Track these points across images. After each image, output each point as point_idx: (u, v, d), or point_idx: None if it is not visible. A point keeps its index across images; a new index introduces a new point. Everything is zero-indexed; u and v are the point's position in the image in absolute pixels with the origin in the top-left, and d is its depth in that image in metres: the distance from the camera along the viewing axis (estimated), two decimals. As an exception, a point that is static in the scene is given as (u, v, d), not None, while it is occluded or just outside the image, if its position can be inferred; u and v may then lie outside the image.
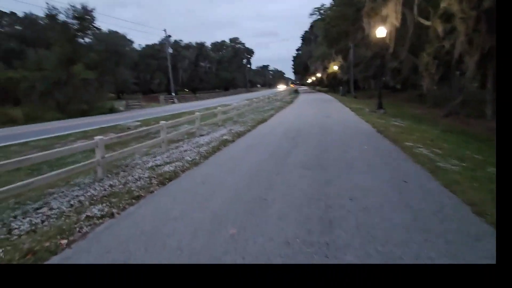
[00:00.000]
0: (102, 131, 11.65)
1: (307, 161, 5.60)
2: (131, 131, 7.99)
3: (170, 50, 51.48)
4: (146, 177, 5.20)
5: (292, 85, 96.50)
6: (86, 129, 12.34)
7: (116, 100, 39.14)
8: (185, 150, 7.35)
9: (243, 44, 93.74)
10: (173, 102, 40.89)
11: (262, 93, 43.22)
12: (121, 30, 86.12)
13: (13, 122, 19.16)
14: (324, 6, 42.53)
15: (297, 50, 69.52)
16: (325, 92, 48.95)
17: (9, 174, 6.02)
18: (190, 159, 6.27)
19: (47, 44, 23.07)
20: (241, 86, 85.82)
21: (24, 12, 31.48)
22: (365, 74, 30.72)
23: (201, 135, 10.02)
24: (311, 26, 53.13)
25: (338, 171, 4.94)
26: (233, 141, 8.25)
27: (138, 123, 13.90)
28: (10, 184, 4.11)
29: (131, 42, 62.05)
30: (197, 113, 10.40)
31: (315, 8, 43.79)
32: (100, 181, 5.27)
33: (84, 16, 21.44)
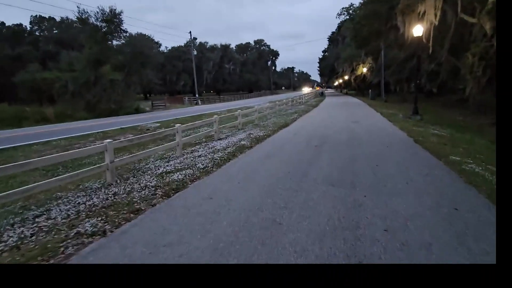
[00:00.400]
0: (122, 131, 11.64)
1: (332, 175, 4.85)
2: (145, 134, 7.70)
3: (195, 52, 52.38)
4: (152, 186, 4.77)
5: (317, 88, 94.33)
6: (108, 129, 12.40)
7: (143, 100, 40.43)
8: (199, 156, 6.89)
9: (268, 45, 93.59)
10: (197, 104, 41.41)
11: (286, 96, 42.35)
12: (149, 33, 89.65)
13: (46, 120, 20.11)
14: (353, 5, 40.92)
15: (323, 51, 67.71)
16: (353, 95, 46.99)
17: (25, 174, 5.94)
18: (202, 166, 5.78)
19: (80, 46, 24.17)
20: (265, 88, 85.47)
21: (61, 17, 33.38)
22: (398, 76, 28.85)
23: (219, 139, 9.57)
24: (339, 27, 51.46)
25: (370, 190, 4.15)
26: (250, 147, 7.66)
27: (158, 124, 13.80)
28: (26, 184, 3.85)
29: (158, 44, 64.48)
30: (215, 116, 9.95)
31: (343, 8, 42.26)
32: (108, 187, 4.95)
33: (112, 19, 22.08)
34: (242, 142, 8.29)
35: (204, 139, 9.69)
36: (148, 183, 4.94)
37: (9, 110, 20.73)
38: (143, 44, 26.54)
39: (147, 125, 13.33)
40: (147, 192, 4.52)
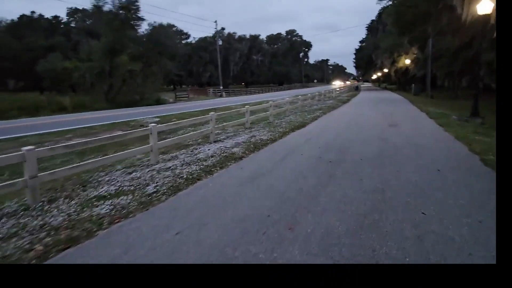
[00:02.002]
0: (112, 127, 10.28)
1: (337, 239, 2.68)
2: (110, 134, 6.04)
3: (220, 42, 50.86)
4: (55, 227, 3.04)
5: (352, 81, 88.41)
6: (98, 124, 11.11)
7: (169, 91, 39.97)
8: (168, 168, 5.07)
9: (300, 36, 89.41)
10: (221, 96, 40.04)
11: (317, 89, 39.27)
12: (180, 25, 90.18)
13: (62, 110, 19.90)
14: (398, -12, 36.14)
15: (361, 42, 62.30)
16: (393, 90, 42.30)
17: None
18: (152, 190, 3.92)
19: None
20: (296, 81, 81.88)
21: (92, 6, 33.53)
22: (448, 69, 24.61)
23: (215, 141, 7.74)
24: (379, 14, 46.39)
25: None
26: (240, 158, 5.66)
27: (157, 119, 12.30)
28: None
29: (187, 35, 64.09)
30: (212, 113, 8.07)
31: (387, -9, 37.47)
32: (24, 211, 3.41)
33: (129, 6, 21.02)
34: (234, 150, 6.32)
35: (200, 140, 7.96)
36: (70, 212, 3.28)
37: (30, 99, 20.88)
38: (162, 34, 25.36)
39: (143, 121, 11.88)
40: (50, 237, 2.82)
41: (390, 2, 36.64)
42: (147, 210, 3.35)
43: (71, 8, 48.55)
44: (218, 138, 8.23)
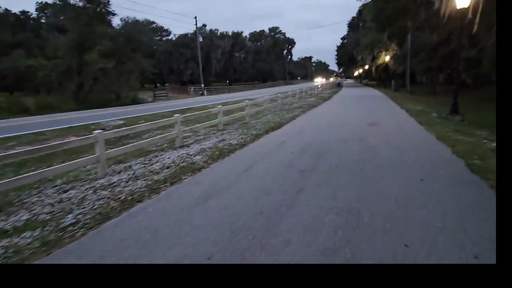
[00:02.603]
0: (68, 132, 9.21)
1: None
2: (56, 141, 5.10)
3: (201, 39, 49.54)
4: None
5: (335, 78, 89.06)
6: (51, 128, 9.97)
7: (149, 90, 38.22)
8: (112, 184, 4.26)
9: (283, 33, 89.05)
10: (202, 94, 38.85)
11: (300, 86, 38.91)
12: (160, 21, 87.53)
13: (24, 112, 18.31)
14: (377, -15, 36.21)
15: (342, 39, 62.52)
16: (373, 86, 42.65)
17: None
18: (75, 217, 3.10)
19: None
20: (280, 78, 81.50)
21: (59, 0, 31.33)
22: (427, 65, 24.77)
23: (181, 147, 6.96)
24: (360, 11, 46.59)
25: None
26: (201, 169, 4.90)
27: (122, 122, 11.29)
28: None
29: (168, 32, 62.10)
30: (176, 115, 7.26)
31: (366, -12, 37.48)
32: None
33: (98, 0, 19.59)
34: (196, 158, 5.56)
35: (166, 145, 7.20)
36: None
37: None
38: (136, 30, 23.96)
39: (108, 123, 10.84)
40: None
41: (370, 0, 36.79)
42: (48, 254, 2.51)
43: (40, 2, 45.63)
44: (186, 143, 7.45)
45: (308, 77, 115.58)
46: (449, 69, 28.73)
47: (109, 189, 3.97)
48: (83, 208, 3.34)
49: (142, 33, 25.04)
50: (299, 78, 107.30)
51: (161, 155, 6.21)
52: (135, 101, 25.09)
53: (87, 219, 3.04)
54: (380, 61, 35.01)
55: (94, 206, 3.38)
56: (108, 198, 3.61)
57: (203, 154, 5.86)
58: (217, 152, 5.92)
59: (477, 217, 2.83)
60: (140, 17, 62.31)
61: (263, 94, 27.19)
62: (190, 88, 42.04)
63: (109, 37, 22.78)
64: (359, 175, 4.20)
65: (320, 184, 3.91)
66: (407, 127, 8.27)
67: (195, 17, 37.08)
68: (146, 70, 27.71)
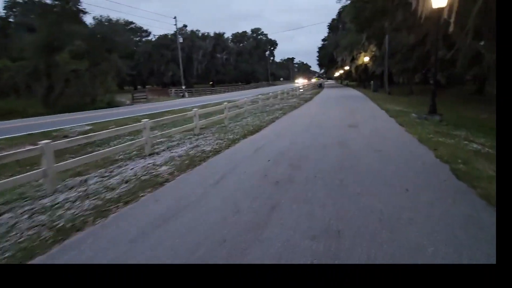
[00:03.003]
0: (23, 140, 8.31)
1: None
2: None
3: (181, 40, 48.45)
4: None
5: (317, 79, 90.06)
6: (22, 134, 9.03)
7: (130, 92, 36.57)
8: (55, 205, 3.64)
9: (265, 35, 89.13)
10: (183, 96, 37.82)
11: (282, 88, 38.71)
12: (141, 22, 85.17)
13: (-16, 118, 16.84)
14: (356, -13, 36.75)
15: (323, 40, 63.24)
16: (354, 87, 43.26)
17: None
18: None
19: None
20: (263, 79, 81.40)
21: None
22: (403, 66, 25.24)
23: (150, 155, 6.38)
24: (339, 13, 47.25)
25: None
26: (164, 182, 4.34)
27: (90, 127, 10.44)
28: None
29: (147, 33, 60.32)
30: (144, 120, 6.65)
31: (345, -10, 37.92)
32: None
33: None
34: (162, 169, 5.00)
35: (135, 152, 6.58)
36: None
37: None
38: (111, 29, 22.80)
39: (73, 129, 9.95)
40: None
41: (349, 1, 37.32)
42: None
43: (8, 0, 42.81)
44: (157, 150, 6.86)
45: (291, 78, 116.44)
46: (424, 70, 29.58)
47: (48, 213, 3.34)
48: (6, 241, 2.71)
49: (117, 32, 23.83)
50: (281, 79, 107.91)
51: (125, 165, 5.59)
52: (112, 104, 23.95)
53: (4, 258, 2.43)
54: (359, 62, 35.51)
55: (21, 237, 2.76)
56: (43, 225, 2.99)
57: (171, 163, 5.30)
58: (187, 161, 5.37)
59: (471, 238, 2.49)
60: (119, 17, 59.98)
61: (245, 95, 26.71)
62: (171, 90, 40.85)
63: (82, 37, 21.49)
64: (339, 187, 3.80)
65: (296, 198, 3.47)
66: (388, 129, 8.06)
67: (175, 17, 36.10)
68: (122, 71, 26.46)
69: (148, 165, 5.39)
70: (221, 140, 7.34)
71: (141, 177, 4.55)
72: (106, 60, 23.15)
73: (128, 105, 26.75)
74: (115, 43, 22.82)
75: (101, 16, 23.32)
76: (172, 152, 6.40)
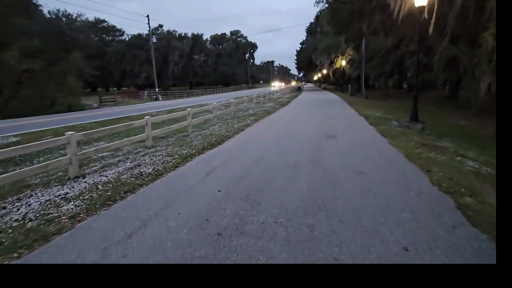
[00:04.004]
0: None
1: None
2: None
3: (154, 39, 46.25)
4: None
5: (296, 82, 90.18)
6: None
7: (101, 95, 33.67)
8: None
9: (245, 37, 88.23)
10: (156, 99, 35.70)
11: (261, 90, 37.62)
12: (115, 21, 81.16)
13: None
14: (333, -10, 36.61)
15: (301, 43, 63.19)
16: (332, 90, 43.13)
17: None
18: None
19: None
20: (243, 82, 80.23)
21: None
22: (380, 69, 25.03)
23: (75, 178, 4.91)
24: (317, 17, 47.18)
25: None
26: (56, 233, 2.92)
27: (17, 139, 8.64)
28: None
29: (121, 32, 57.32)
30: (69, 133, 5.14)
31: (322, -7, 37.71)
32: None
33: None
34: (68, 206, 3.56)
35: (59, 173, 5.11)
36: None
37: None
38: (69, 25, 20.60)
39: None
40: None
41: (327, 5, 37.13)
42: None
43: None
44: (88, 170, 5.40)
45: (270, 81, 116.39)
46: (397, 74, 29.74)
47: None
48: None
49: (78, 30, 21.62)
50: (261, 82, 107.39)
51: (32, 196, 4.10)
52: (74, 108, 21.69)
53: None
54: (337, 65, 35.28)
55: None
56: None
57: (87, 196, 3.86)
58: (109, 192, 3.95)
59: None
60: (82, 13, 56.49)
61: (222, 98, 25.31)
62: (143, 93, 38.50)
63: (34, 33, 19.19)
64: (308, 243, 2.57)
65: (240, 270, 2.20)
66: (369, 141, 7.03)
67: (147, 16, 34.10)
68: (85, 72, 24.16)
69: (57, 198, 3.92)
70: (172, 156, 5.96)
71: (27, 224, 3.08)
72: (64, 59, 20.89)
73: (95, 108, 24.61)
74: (75, 41, 20.59)
75: (58, 10, 20.99)
76: (101, 175, 4.95)
